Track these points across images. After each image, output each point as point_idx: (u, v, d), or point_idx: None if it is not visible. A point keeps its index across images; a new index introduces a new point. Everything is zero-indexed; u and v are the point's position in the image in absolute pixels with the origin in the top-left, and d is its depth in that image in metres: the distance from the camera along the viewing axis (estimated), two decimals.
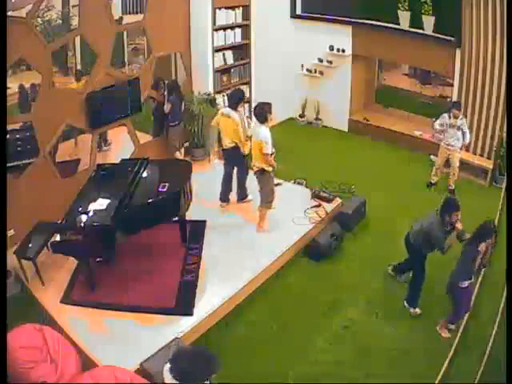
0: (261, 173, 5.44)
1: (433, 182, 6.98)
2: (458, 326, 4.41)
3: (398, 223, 6.13)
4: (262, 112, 5.33)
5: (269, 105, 5.34)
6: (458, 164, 6.71)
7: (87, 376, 3.36)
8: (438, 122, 6.69)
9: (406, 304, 4.77)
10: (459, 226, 4.28)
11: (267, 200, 5.61)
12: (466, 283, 4.19)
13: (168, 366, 2.53)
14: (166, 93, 6.63)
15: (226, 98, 7.48)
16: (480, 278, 4.86)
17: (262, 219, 5.72)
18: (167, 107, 6.60)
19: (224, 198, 6.21)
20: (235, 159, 5.93)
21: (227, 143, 5.86)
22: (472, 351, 4.17)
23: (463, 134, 6.55)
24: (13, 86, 5.42)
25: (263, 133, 5.25)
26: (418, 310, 4.71)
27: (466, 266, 4.15)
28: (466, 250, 4.15)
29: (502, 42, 6.61)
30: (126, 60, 7.07)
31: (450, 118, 6.56)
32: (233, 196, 6.28)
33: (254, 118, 5.68)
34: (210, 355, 2.59)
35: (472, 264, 4.09)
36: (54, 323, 4.21)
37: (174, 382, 2.45)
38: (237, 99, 5.80)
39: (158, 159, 5.68)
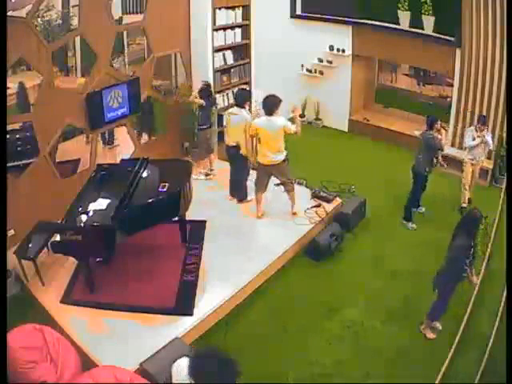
0: (283, 161, 5.52)
1: (465, 205, 6.45)
2: (457, 326, 4.40)
3: (398, 223, 6.15)
4: (273, 104, 5.41)
5: (279, 99, 5.52)
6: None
7: (87, 376, 3.36)
8: (468, 138, 6.28)
9: (403, 221, 6.10)
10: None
11: (291, 182, 5.79)
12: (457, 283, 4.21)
13: (186, 366, 2.41)
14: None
15: (225, 97, 7.52)
16: (480, 278, 4.85)
17: (294, 201, 5.88)
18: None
19: (233, 193, 6.29)
20: (236, 158, 5.97)
21: (229, 141, 5.98)
22: (472, 351, 4.17)
23: (487, 146, 6.27)
24: (13, 85, 5.42)
25: (279, 120, 5.39)
26: (414, 226, 6.05)
27: (458, 264, 4.09)
28: (457, 246, 4.08)
29: (502, 42, 6.62)
30: (125, 60, 7.07)
31: (476, 131, 6.22)
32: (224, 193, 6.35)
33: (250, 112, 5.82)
34: (233, 361, 2.48)
35: (465, 260, 4.06)
36: (54, 323, 4.21)
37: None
38: (243, 99, 5.88)
39: (158, 159, 5.67)
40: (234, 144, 5.88)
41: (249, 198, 6.24)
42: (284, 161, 5.55)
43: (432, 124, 5.84)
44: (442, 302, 4.33)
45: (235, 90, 7.58)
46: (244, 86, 7.66)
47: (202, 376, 2.37)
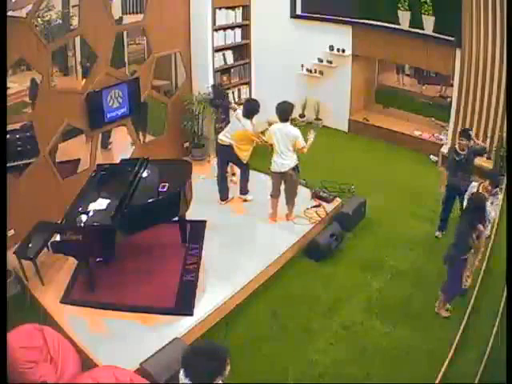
0: (293, 169, 5.53)
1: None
2: (457, 326, 4.40)
3: (398, 223, 6.15)
4: (290, 110, 5.45)
5: (293, 105, 5.57)
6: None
7: (87, 376, 3.36)
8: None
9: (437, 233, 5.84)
10: None
11: (295, 197, 5.79)
12: (466, 255, 4.36)
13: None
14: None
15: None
16: (480, 278, 4.86)
17: (292, 213, 5.88)
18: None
19: (223, 196, 6.26)
20: (230, 156, 5.97)
21: (226, 140, 5.91)
22: (472, 351, 4.17)
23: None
24: (13, 85, 5.42)
25: (294, 130, 5.44)
26: (438, 234, 5.82)
27: (464, 240, 4.31)
28: (462, 224, 4.40)
29: (502, 42, 6.61)
30: (126, 60, 7.06)
31: None
32: (232, 193, 6.35)
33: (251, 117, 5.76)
34: (222, 350, 2.49)
35: (469, 237, 4.27)
36: (54, 323, 4.21)
37: (187, 382, 2.39)
38: (251, 111, 5.78)
39: (158, 159, 5.68)
40: (228, 143, 5.87)
41: (249, 197, 6.25)
42: (294, 169, 5.53)
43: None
44: (454, 280, 4.46)
45: (235, 90, 7.60)
46: (244, 86, 7.67)
47: (189, 367, 2.36)
